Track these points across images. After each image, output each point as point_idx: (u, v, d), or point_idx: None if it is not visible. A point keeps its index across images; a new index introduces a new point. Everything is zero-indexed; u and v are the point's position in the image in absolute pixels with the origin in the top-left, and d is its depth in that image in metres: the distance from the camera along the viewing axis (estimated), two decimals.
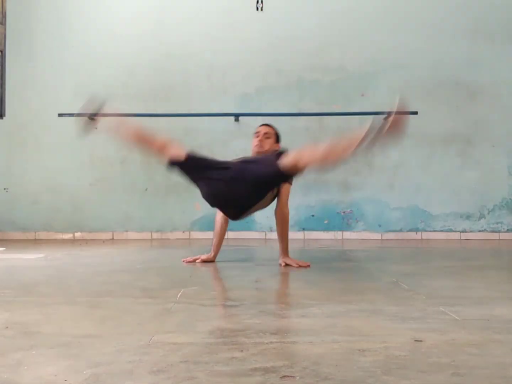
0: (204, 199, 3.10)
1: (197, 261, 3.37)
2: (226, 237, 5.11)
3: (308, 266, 3.16)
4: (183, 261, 3.37)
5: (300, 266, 3.15)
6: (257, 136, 3.40)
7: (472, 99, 5.10)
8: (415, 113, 4.92)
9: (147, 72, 5.11)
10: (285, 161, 2.81)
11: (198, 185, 3.07)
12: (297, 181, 3.32)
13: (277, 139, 3.45)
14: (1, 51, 4.96)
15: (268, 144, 3.37)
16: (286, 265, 3.19)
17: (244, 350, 1.54)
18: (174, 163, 3.00)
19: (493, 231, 5.09)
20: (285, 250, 3.29)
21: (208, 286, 2.60)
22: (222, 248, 4.47)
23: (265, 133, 3.39)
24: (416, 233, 5.08)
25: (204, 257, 3.40)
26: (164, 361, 1.46)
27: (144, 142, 3.11)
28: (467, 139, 5.11)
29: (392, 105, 2.48)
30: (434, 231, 5.09)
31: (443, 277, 2.90)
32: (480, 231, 5.09)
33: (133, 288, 2.56)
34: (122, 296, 2.37)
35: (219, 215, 3.43)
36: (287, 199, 3.32)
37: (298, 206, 4.95)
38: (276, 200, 3.32)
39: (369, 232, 5.06)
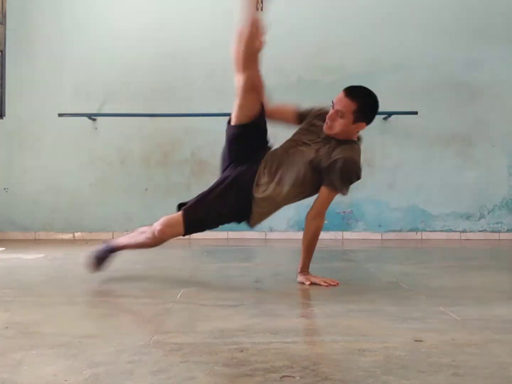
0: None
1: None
2: (226, 237, 5.16)
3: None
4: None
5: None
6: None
7: (472, 99, 5.09)
8: (415, 113, 4.93)
9: (147, 72, 5.10)
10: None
11: None
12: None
13: (360, 116, 2.61)
14: (1, 51, 4.96)
15: (340, 126, 2.63)
16: (312, 284, 2.64)
17: (244, 350, 1.54)
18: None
19: (493, 231, 5.09)
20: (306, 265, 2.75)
21: (208, 286, 2.60)
22: (222, 248, 4.48)
23: (337, 111, 2.62)
24: (416, 233, 5.08)
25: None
26: (164, 361, 1.46)
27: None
28: (467, 139, 5.11)
29: None
30: (434, 231, 5.09)
31: (443, 277, 2.90)
32: (480, 231, 5.09)
33: (133, 288, 2.56)
34: (122, 296, 2.37)
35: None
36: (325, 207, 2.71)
37: (298, 206, 4.94)
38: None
39: (369, 232, 5.05)
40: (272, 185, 2.65)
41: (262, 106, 2.71)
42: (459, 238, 5.06)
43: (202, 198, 2.70)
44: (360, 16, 5.12)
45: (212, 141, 4.99)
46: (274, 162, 2.70)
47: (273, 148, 2.82)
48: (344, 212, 5.09)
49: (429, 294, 2.38)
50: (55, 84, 5.09)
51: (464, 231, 5.09)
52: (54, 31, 5.11)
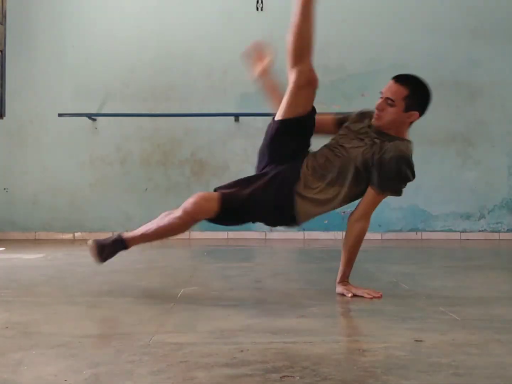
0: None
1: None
2: (226, 237, 5.15)
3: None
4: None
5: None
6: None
7: (472, 99, 5.10)
8: None
9: (147, 72, 5.10)
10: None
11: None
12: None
13: (412, 104, 2.41)
14: (1, 51, 4.95)
15: (390, 115, 2.40)
16: (354, 296, 2.32)
17: (244, 350, 1.54)
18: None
19: (493, 231, 5.09)
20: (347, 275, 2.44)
21: (208, 286, 2.60)
22: (222, 248, 4.47)
23: (387, 99, 2.41)
24: (416, 233, 5.08)
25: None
26: (164, 361, 1.46)
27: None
28: (467, 139, 5.11)
29: None
30: (434, 231, 5.08)
31: (443, 277, 2.90)
32: (480, 231, 5.09)
33: (133, 288, 2.56)
34: (122, 296, 2.36)
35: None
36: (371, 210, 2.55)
37: None
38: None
39: (369, 232, 5.02)
40: (327, 188, 2.44)
41: (313, 106, 2.51)
42: (459, 238, 5.05)
43: (239, 190, 2.36)
44: (360, 16, 5.12)
45: (212, 141, 5.00)
46: (320, 165, 2.43)
47: (312, 152, 2.54)
48: (344, 212, 5.08)
49: (429, 294, 2.37)
50: (55, 84, 5.09)
51: (464, 231, 5.09)
52: (54, 31, 5.11)
